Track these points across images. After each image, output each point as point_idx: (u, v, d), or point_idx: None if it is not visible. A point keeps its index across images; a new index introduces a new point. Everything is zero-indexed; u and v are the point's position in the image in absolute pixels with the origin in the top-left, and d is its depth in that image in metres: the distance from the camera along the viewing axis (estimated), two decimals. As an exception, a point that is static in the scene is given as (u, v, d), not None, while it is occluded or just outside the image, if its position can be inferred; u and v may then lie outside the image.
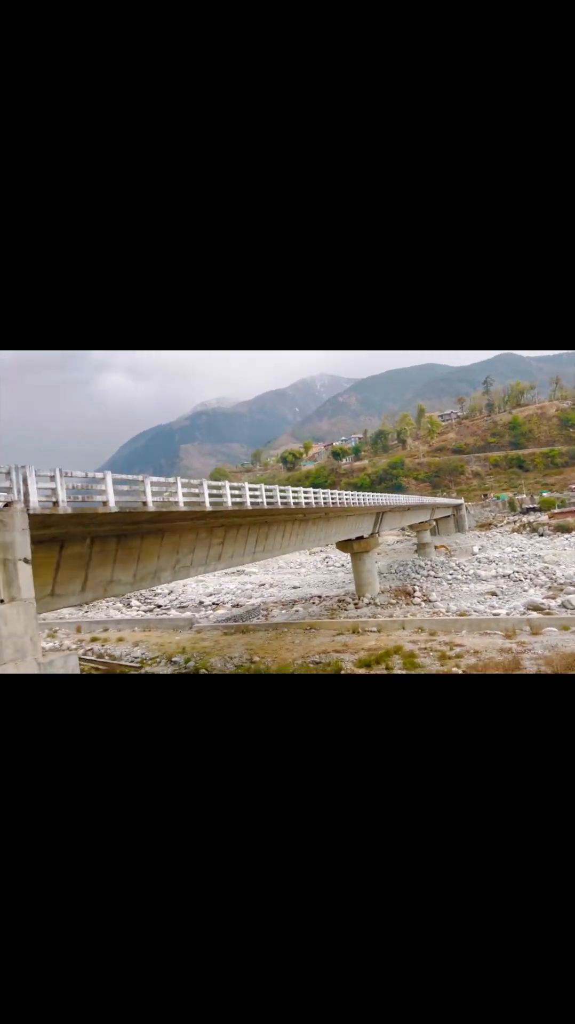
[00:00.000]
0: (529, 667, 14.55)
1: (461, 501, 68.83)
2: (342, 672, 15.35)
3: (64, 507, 7.61)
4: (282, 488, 15.54)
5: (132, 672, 18.28)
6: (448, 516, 63.20)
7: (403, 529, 53.71)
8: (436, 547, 51.76)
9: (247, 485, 13.30)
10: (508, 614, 23.55)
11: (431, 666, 15.79)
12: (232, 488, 12.52)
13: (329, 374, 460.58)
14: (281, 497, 15.27)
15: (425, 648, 18.14)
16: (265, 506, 14.15)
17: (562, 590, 29.36)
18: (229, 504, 12.26)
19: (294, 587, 42.99)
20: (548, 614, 22.54)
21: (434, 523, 54.28)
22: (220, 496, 12.14)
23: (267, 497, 14.42)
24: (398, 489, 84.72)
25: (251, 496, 13.36)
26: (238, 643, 22.79)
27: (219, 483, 12.19)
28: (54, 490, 7.46)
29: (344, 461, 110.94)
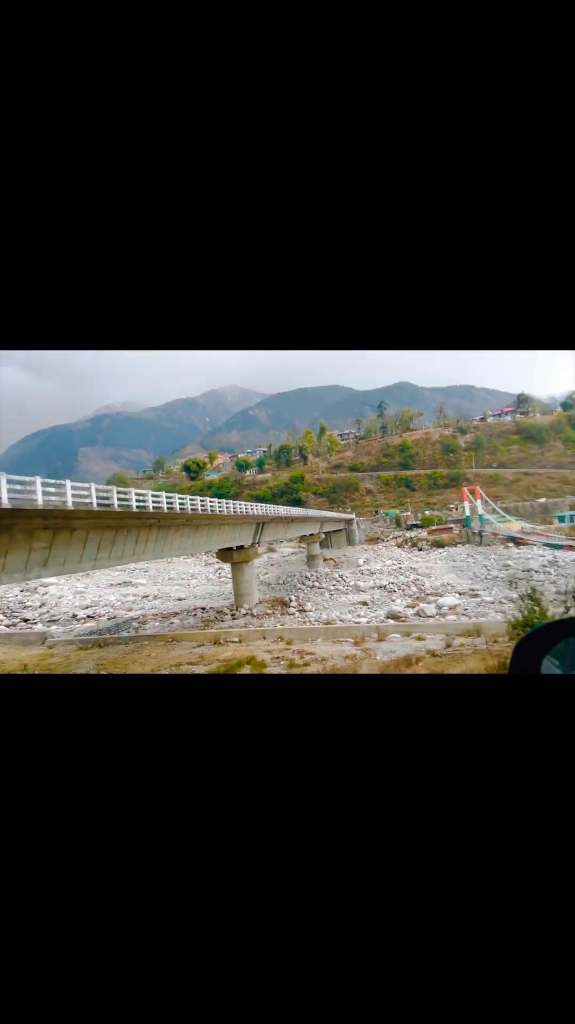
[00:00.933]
0: (367, 671, 15.07)
1: (352, 516, 72.04)
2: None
3: None
4: (121, 490, 14.57)
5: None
6: (340, 530, 65.76)
7: (299, 542, 54.76)
8: (325, 559, 53.36)
9: (69, 483, 12.21)
10: (369, 622, 24.53)
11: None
12: (45, 486, 11.38)
13: (240, 387, 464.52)
14: (119, 499, 14.31)
15: (278, 657, 18.10)
16: (95, 508, 13.14)
17: (426, 599, 31.47)
18: (40, 503, 11.11)
19: (179, 599, 41.65)
20: (403, 621, 23.84)
21: (324, 536, 56.03)
22: (29, 494, 10.95)
23: (99, 498, 13.40)
24: (297, 502, 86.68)
25: (74, 495, 12.29)
26: (90, 658, 21.15)
27: (28, 479, 11.01)
28: None
29: (248, 473, 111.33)
